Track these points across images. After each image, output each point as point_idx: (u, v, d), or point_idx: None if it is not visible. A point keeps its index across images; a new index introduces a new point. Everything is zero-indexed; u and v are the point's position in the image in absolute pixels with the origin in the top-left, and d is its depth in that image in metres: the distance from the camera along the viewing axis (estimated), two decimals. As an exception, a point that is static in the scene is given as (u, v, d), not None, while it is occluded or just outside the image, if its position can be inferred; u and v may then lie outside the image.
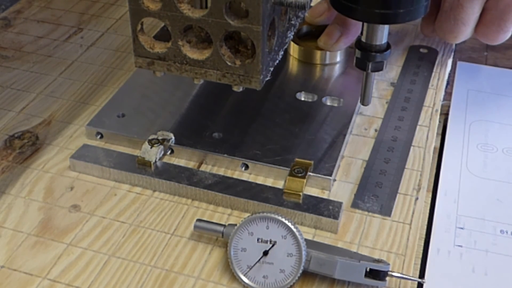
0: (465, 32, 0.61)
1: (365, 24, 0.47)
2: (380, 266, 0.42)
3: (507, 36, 0.60)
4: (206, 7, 0.44)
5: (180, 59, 0.45)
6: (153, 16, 0.44)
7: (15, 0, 0.78)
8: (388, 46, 0.48)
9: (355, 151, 0.55)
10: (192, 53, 0.45)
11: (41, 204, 0.50)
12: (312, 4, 0.66)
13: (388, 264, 0.43)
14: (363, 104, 0.52)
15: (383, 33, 0.47)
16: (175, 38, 0.44)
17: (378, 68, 0.49)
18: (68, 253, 0.46)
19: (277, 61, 0.48)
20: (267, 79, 0.46)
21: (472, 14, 0.59)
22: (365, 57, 0.48)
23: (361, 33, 0.48)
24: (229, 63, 0.44)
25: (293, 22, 0.51)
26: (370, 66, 0.48)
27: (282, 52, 0.49)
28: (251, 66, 0.44)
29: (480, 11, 0.60)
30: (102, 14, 0.76)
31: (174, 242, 0.47)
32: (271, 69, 0.47)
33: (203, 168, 0.53)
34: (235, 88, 0.46)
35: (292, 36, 0.52)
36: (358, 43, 0.48)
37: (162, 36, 0.46)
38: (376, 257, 0.44)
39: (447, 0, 0.60)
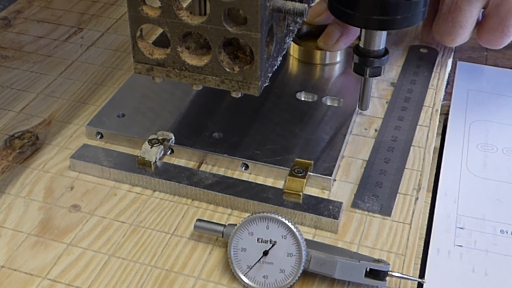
0: (463, 35, 0.61)
1: (363, 30, 0.47)
2: (380, 266, 0.42)
3: (510, 40, 0.61)
4: (205, 14, 0.44)
5: (179, 65, 0.45)
6: (153, 23, 0.44)
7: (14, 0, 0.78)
8: (386, 52, 0.48)
9: (355, 151, 0.55)
10: (191, 59, 0.45)
11: (41, 204, 0.50)
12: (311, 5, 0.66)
13: (388, 264, 0.43)
14: (361, 109, 0.53)
15: (381, 39, 0.47)
16: (174, 45, 0.45)
17: (376, 73, 0.49)
18: (68, 253, 0.46)
19: (276, 67, 0.48)
20: (266, 85, 0.46)
21: (470, 17, 0.59)
22: (363, 63, 0.48)
23: (359, 38, 0.48)
24: (227, 70, 0.44)
25: (291, 28, 0.51)
26: (368, 72, 0.49)
27: (281, 58, 0.49)
28: (250, 72, 0.44)
29: (478, 14, 0.60)
30: (102, 14, 0.76)
31: (174, 242, 0.47)
32: (270, 75, 0.47)
33: (203, 168, 0.53)
34: (233, 94, 0.46)
35: (290, 42, 0.52)
36: (356, 49, 0.49)
37: (161, 42, 0.46)
38: (376, 257, 0.44)
39: (446, 3, 0.60)
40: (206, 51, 0.46)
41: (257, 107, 0.57)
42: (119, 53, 0.68)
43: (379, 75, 0.49)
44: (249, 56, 0.45)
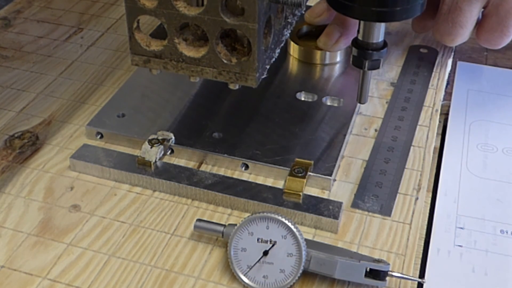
0: (463, 35, 0.61)
1: (362, 22, 0.47)
2: (380, 266, 0.42)
3: (509, 40, 0.61)
4: (202, 5, 0.44)
5: (176, 57, 0.45)
6: (149, 14, 0.44)
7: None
8: (384, 44, 0.48)
9: (355, 151, 0.55)
10: (188, 51, 0.45)
11: (41, 204, 0.50)
12: (311, 4, 0.66)
13: (388, 264, 0.43)
14: (360, 102, 0.53)
15: (379, 31, 0.47)
16: (171, 36, 0.44)
17: (375, 66, 0.49)
18: (68, 253, 0.46)
19: (274, 59, 0.48)
20: (263, 77, 0.46)
21: (470, 17, 0.59)
22: (361, 55, 0.48)
23: (358, 31, 0.48)
24: (225, 61, 0.44)
25: (289, 20, 0.51)
26: (366, 64, 0.49)
27: (279, 50, 0.49)
28: (247, 63, 0.44)
29: (478, 14, 0.60)
30: (102, 14, 0.76)
31: (174, 242, 0.47)
32: (267, 67, 0.47)
33: (203, 168, 0.53)
34: (231, 86, 0.46)
35: (288, 34, 0.52)
36: (355, 41, 0.48)
37: (159, 34, 0.46)
38: (376, 257, 0.44)
39: (446, 2, 0.60)
40: (203, 43, 0.46)
41: (257, 107, 0.57)
42: (119, 53, 0.68)
43: (378, 68, 0.49)
44: (246, 48, 0.45)
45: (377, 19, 0.46)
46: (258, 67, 0.44)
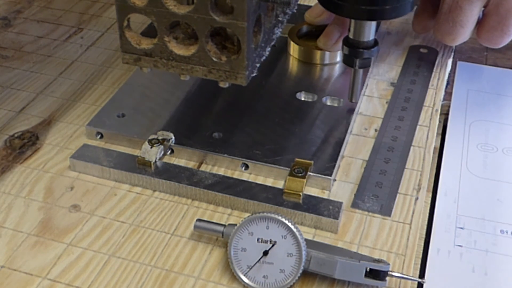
0: (464, 35, 0.61)
1: (352, 20, 0.47)
2: (380, 266, 0.42)
3: (509, 39, 0.61)
4: (192, 3, 0.44)
5: (167, 55, 0.45)
6: (139, 12, 0.44)
7: None
8: (375, 43, 0.48)
9: (355, 151, 0.55)
10: (178, 49, 0.45)
11: (41, 204, 0.50)
12: (311, 4, 0.66)
13: (388, 264, 0.43)
14: (351, 101, 0.53)
15: (370, 30, 0.47)
16: (161, 34, 0.44)
17: (366, 64, 0.49)
18: (68, 253, 0.46)
19: (264, 58, 0.48)
20: (253, 75, 0.46)
21: (470, 16, 0.59)
22: (352, 54, 0.48)
23: (349, 29, 0.48)
24: (214, 59, 0.44)
25: (280, 18, 0.51)
26: (357, 63, 0.49)
27: (269, 49, 0.49)
28: (237, 62, 0.44)
29: (478, 13, 0.60)
30: (102, 14, 0.76)
31: (174, 242, 0.47)
32: (258, 65, 0.47)
33: (203, 168, 0.53)
34: (221, 84, 0.46)
35: (279, 33, 0.52)
36: (346, 40, 0.49)
37: (150, 32, 0.46)
38: (376, 257, 0.44)
39: (446, 2, 0.60)
40: (193, 41, 0.46)
41: (257, 107, 0.57)
42: (119, 53, 0.68)
43: (369, 66, 0.49)
44: (236, 46, 0.45)
45: (367, 18, 0.46)
46: (247, 65, 0.44)
